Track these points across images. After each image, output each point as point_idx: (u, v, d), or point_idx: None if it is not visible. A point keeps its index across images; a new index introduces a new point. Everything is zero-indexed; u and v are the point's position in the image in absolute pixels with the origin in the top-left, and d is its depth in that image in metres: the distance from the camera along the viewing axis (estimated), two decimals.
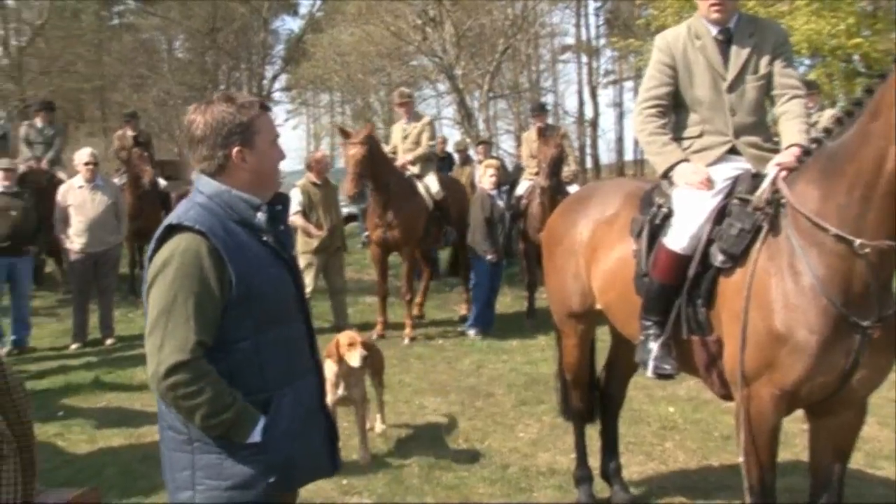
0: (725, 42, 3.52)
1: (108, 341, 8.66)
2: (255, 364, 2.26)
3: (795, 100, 3.49)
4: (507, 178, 10.89)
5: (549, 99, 31.44)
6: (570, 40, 34.90)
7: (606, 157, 36.18)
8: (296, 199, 8.63)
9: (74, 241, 8.54)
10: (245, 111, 2.32)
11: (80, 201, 8.56)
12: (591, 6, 35.25)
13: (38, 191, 9.41)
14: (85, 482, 4.70)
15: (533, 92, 29.13)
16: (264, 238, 2.35)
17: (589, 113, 34.09)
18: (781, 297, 3.00)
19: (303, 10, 31.12)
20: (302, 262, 8.78)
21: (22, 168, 10.06)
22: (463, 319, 9.31)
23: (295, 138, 41.80)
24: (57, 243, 9.08)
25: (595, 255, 3.97)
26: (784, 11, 13.86)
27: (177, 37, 27.70)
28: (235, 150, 2.31)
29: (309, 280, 8.36)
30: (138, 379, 7.17)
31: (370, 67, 22.11)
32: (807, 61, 17.61)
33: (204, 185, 2.35)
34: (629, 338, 3.89)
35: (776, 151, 3.40)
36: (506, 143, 31.13)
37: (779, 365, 2.98)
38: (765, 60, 3.52)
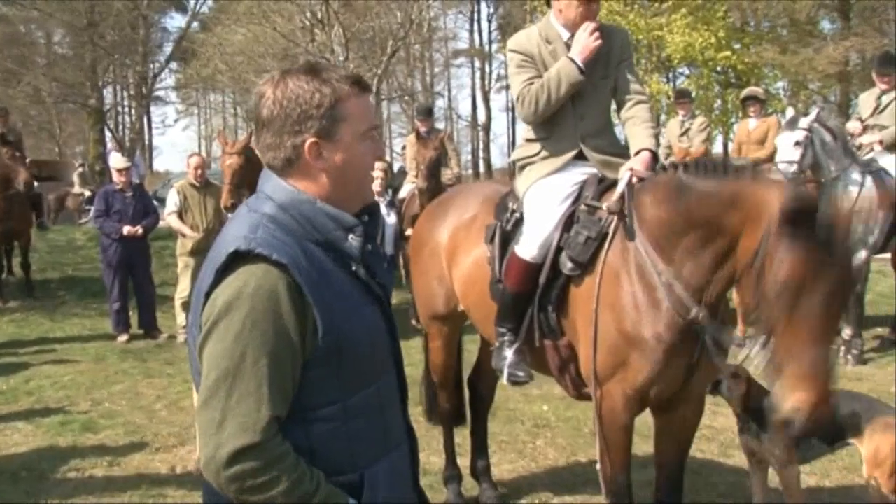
0: None
1: None
2: (342, 436, 1.71)
3: (641, 104, 3.54)
4: (393, 182, 10.89)
5: (442, 103, 31.75)
6: (464, 45, 35.38)
7: (499, 160, 36.82)
8: (171, 200, 8.45)
9: None
10: (330, 88, 1.71)
11: None
12: (485, 12, 35.81)
13: None
14: None
15: (426, 95, 29.30)
16: (353, 268, 1.74)
17: (482, 117, 34.60)
18: (631, 300, 3.09)
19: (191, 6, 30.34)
20: (179, 264, 8.58)
21: None
22: None
23: (185, 139, 40.76)
24: None
25: (455, 259, 4.00)
26: (662, 23, 14.51)
27: (54, 31, 26.48)
28: (310, 140, 1.71)
29: (185, 284, 8.16)
30: None
31: (259, 68, 21.73)
32: (685, 71, 18.44)
33: (275, 190, 1.76)
34: (489, 340, 3.94)
35: (622, 156, 3.48)
36: (399, 147, 31.21)
37: (630, 365, 3.08)
38: (612, 63, 3.57)
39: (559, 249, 3.32)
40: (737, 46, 14.69)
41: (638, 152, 3.38)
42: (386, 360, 1.83)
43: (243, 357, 1.58)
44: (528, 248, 3.42)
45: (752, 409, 3.54)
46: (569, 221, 3.36)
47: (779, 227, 2.50)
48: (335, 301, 1.66)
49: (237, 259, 1.63)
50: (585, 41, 3.42)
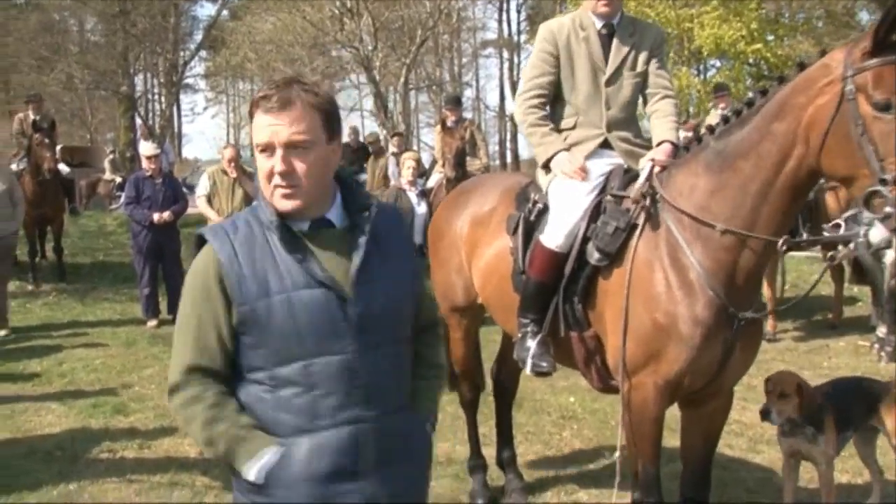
0: (608, 36, 3.58)
1: (1, 332, 8.33)
2: (269, 401, 1.93)
3: (667, 99, 3.59)
4: (423, 172, 10.92)
5: (469, 93, 31.67)
6: (492, 35, 35.26)
7: (527, 151, 36.69)
8: (203, 184, 8.62)
9: None
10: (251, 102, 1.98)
11: None
12: (514, 2, 35.64)
13: None
14: None
15: (453, 85, 29.25)
16: (299, 256, 1.93)
17: (510, 108, 34.46)
18: (665, 290, 3.05)
19: None
20: None
21: None
22: None
23: (214, 127, 41.08)
24: None
25: (474, 250, 3.98)
26: (692, 14, 14.34)
27: (87, 18, 26.75)
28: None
29: None
30: (31, 371, 6.95)
31: (288, 57, 21.82)
32: (716, 64, 18.23)
33: None
34: (509, 333, 3.92)
35: (646, 147, 3.48)
36: (427, 137, 31.23)
37: (664, 356, 3.04)
38: (642, 59, 3.59)
39: (585, 239, 3.30)
40: (769, 38, 14.49)
41: (660, 143, 3.41)
42: (325, 343, 1.92)
43: (183, 316, 1.99)
44: (553, 237, 3.38)
45: (809, 413, 3.59)
46: (595, 212, 3.33)
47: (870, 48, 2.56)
48: (253, 280, 1.91)
49: (201, 241, 2.01)
50: (566, 169, 3.44)
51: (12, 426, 5.48)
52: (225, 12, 26.24)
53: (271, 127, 1.89)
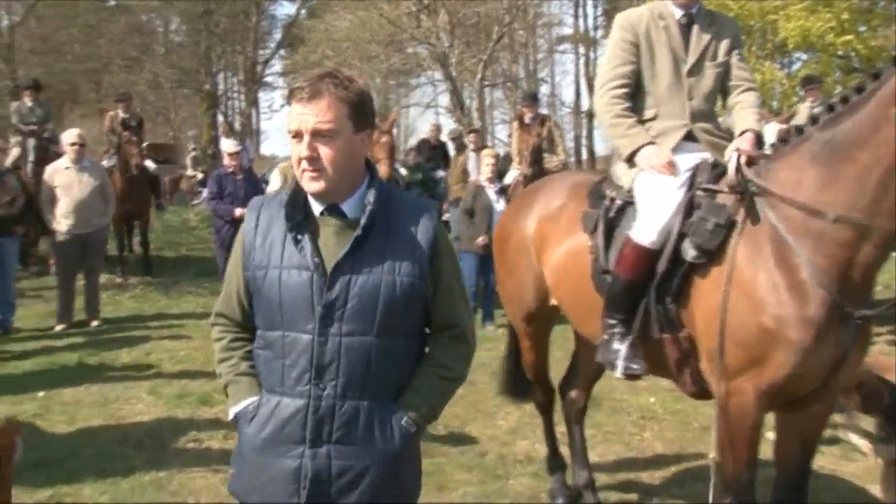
0: (687, 26, 3.50)
1: (94, 323, 8.66)
2: (260, 357, 2.21)
3: (750, 91, 3.49)
4: (502, 169, 10.88)
5: (545, 89, 31.42)
6: (568, 30, 34.89)
7: (602, 148, 36.21)
8: (274, 180, 8.79)
9: (61, 222, 8.51)
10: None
11: (66, 182, 8.53)
12: None
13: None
14: (62, 462, 4.72)
15: (529, 81, 29.08)
16: (298, 237, 2.13)
17: (585, 104, 34.06)
18: (772, 290, 2.90)
19: None
20: None
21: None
22: None
23: None
24: None
25: (545, 249, 3.89)
26: (777, 6, 13.87)
27: (171, 19, 27.55)
28: None
29: None
30: (122, 361, 7.20)
31: (365, 54, 22.04)
32: (802, 57, 17.64)
33: None
34: (586, 336, 3.81)
35: (729, 140, 3.36)
36: (501, 133, 31.12)
37: (769, 361, 2.88)
38: (723, 50, 3.51)
39: (680, 236, 3.17)
40: (861, 29, 13.91)
41: (742, 133, 3.30)
42: (301, 321, 2.11)
43: (228, 268, 2.33)
44: (646, 233, 3.26)
45: (874, 410, 3.41)
46: (688, 207, 3.20)
47: None
48: (260, 252, 2.17)
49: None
50: (654, 163, 3.35)
51: (105, 413, 5.69)
52: (303, 10, 26.71)
53: (301, 116, 2.07)
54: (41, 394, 6.12)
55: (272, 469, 2.11)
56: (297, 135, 2.08)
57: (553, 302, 3.98)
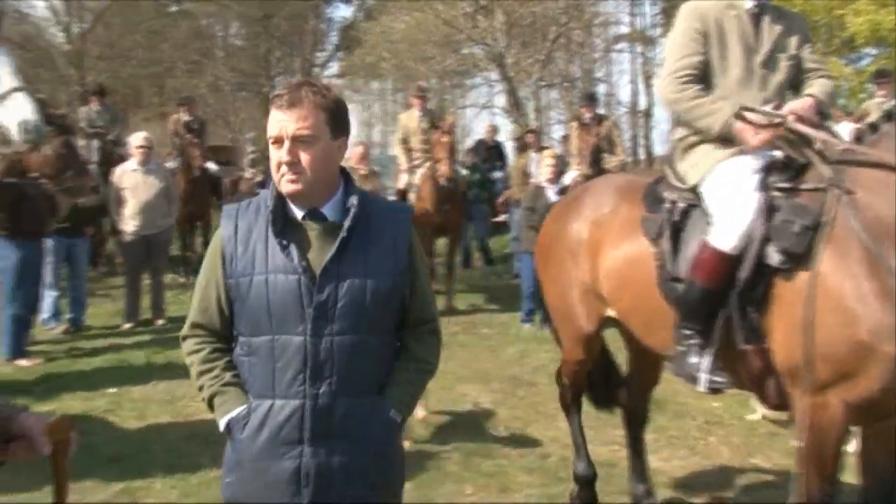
0: (757, 17, 3.39)
1: (159, 322, 8.87)
2: (245, 364, 2.24)
3: (824, 78, 3.40)
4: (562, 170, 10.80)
5: (602, 89, 31.07)
6: (625, 29, 34.45)
7: (660, 147, 35.68)
8: None
9: (128, 222, 8.74)
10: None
11: (133, 184, 8.75)
12: None
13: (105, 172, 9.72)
14: (133, 457, 4.85)
15: (585, 81, 28.82)
16: (284, 242, 2.17)
17: (643, 103, 33.61)
18: (865, 302, 2.73)
19: None
20: None
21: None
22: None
23: None
24: None
25: (599, 257, 3.71)
26: (845, 1, 13.54)
27: (231, 23, 28.04)
28: None
29: None
30: (184, 359, 7.33)
31: (421, 55, 22.08)
32: (872, 52, 17.13)
33: None
34: (652, 348, 3.62)
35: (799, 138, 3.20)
36: (557, 134, 30.91)
37: (861, 375, 2.73)
38: (794, 42, 3.40)
39: (763, 240, 2.99)
40: None
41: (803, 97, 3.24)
42: (291, 324, 2.15)
43: (200, 278, 2.31)
44: (725, 238, 3.07)
45: None
46: (769, 210, 3.04)
47: None
48: (243, 260, 2.19)
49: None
50: (756, 140, 3.18)
51: (173, 411, 5.82)
52: (359, 13, 26.96)
53: (281, 122, 2.14)
54: (112, 390, 6.30)
55: (272, 471, 2.17)
56: (278, 140, 2.15)
57: (610, 313, 3.79)
